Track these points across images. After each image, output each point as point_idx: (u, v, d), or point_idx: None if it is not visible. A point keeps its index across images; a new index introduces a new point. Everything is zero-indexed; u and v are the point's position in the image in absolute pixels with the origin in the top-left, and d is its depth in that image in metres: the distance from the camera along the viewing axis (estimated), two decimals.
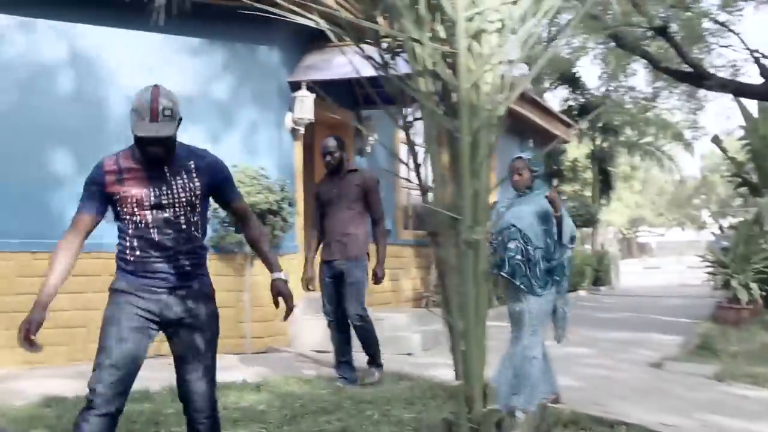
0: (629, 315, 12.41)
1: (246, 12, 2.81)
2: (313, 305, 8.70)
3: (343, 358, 6.06)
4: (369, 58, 1.96)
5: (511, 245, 4.87)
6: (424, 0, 1.86)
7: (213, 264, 7.54)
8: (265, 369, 6.79)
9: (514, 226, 4.89)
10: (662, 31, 14.26)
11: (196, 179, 3.16)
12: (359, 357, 6.20)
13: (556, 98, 23.56)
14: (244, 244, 7.50)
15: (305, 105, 8.16)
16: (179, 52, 7.74)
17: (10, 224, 6.93)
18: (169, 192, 3.10)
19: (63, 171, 7.12)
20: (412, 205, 11.69)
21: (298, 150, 8.59)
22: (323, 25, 1.95)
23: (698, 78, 14.97)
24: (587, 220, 18.06)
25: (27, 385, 6.07)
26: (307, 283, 6.09)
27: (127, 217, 3.10)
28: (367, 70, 8.35)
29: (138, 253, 3.11)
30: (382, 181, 10.32)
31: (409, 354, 7.82)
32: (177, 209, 3.13)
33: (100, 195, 3.10)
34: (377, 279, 5.95)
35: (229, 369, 6.84)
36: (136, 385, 3.22)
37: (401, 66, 2.16)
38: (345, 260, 5.84)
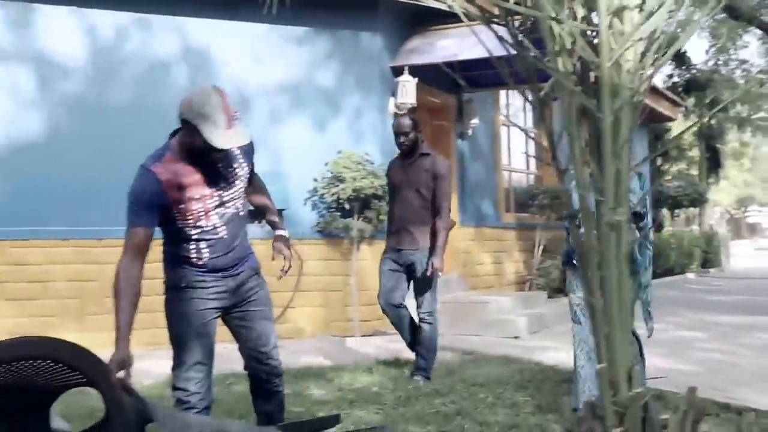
0: (742, 298, 11.93)
1: None
2: None
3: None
4: (501, 39, 1.94)
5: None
6: None
7: (320, 249, 7.83)
8: (374, 351, 6.88)
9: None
10: None
11: (244, 164, 3.15)
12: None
13: (660, 74, 22.73)
14: (350, 228, 7.62)
15: (408, 89, 8.17)
16: (286, 41, 7.89)
17: (123, 215, 7.24)
18: (226, 186, 3.07)
19: None
20: (514, 187, 11.58)
21: None
22: (456, 7, 1.94)
23: None
24: (694, 199, 17.43)
25: (150, 364, 6.31)
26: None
27: (191, 222, 3.02)
28: (472, 52, 8.27)
29: (206, 254, 3.07)
30: (484, 164, 10.43)
31: (515, 337, 7.78)
32: (236, 200, 3.12)
33: (157, 206, 2.97)
34: (433, 271, 5.36)
35: (339, 352, 6.99)
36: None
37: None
38: (416, 250, 5.39)
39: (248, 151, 3.16)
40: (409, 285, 5.52)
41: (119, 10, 7.31)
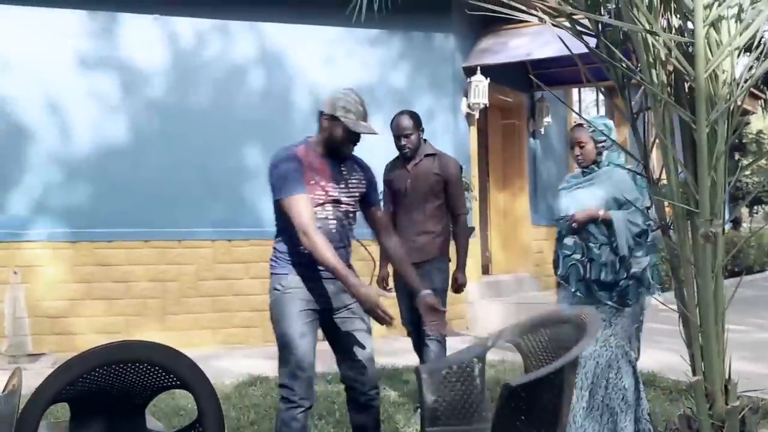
0: None
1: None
2: (491, 288, 8.75)
3: None
4: (593, 49, 1.93)
5: (568, 240, 3.86)
6: None
7: None
8: (447, 352, 6.88)
9: (562, 217, 3.90)
10: None
11: (362, 177, 3.33)
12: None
13: (738, 66, 21.96)
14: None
15: (480, 89, 8.16)
16: (360, 43, 7.97)
17: (209, 214, 7.45)
18: (345, 187, 3.24)
19: (254, 163, 7.53)
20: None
21: (472, 134, 8.62)
22: (548, 20, 1.95)
23: None
24: None
25: (229, 363, 6.50)
26: (380, 282, 4.92)
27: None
28: (545, 50, 8.19)
29: None
30: (556, 163, 10.31)
31: None
32: (350, 204, 3.28)
33: (302, 179, 3.12)
34: (458, 287, 4.84)
35: (412, 352, 7.02)
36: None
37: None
38: (425, 262, 4.59)
39: (365, 167, 3.39)
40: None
41: (199, 17, 7.51)
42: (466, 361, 3.16)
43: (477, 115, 8.51)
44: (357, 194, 3.30)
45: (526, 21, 7.98)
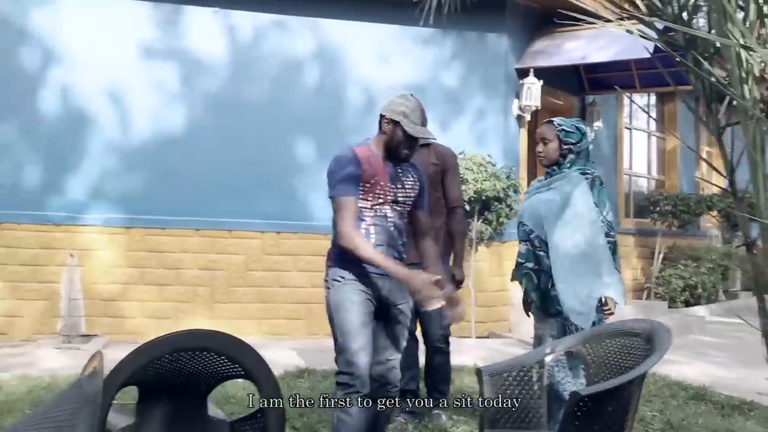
0: None
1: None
2: None
3: (413, 386, 4.66)
4: (681, 63, 1.93)
5: (521, 248, 3.73)
6: (755, 4, 1.81)
7: None
8: (490, 354, 6.88)
9: (522, 222, 3.75)
10: None
11: (417, 180, 3.45)
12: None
13: None
14: (470, 230, 7.65)
15: (532, 92, 8.13)
16: (413, 42, 7.99)
17: (260, 206, 7.54)
18: (402, 188, 3.37)
19: (306, 158, 7.63)
20: (635, 192, 11.31)
21: (523, 137, 8.58)
22: (635, 31, 1.95)
23: None
24: None
25: (275, 354, 6.55)
26: None
27: (368, 205, 3.28)
28: (601, 54, 8.09)
29: (373, 239, 3.27)
30: (605, 167, 10.22)
31: None
32: (407, 205, 3.40)
33: (355, 177, 3.25)
34: (456, 283, 4.46)
35: (456, 352, 7.03)
36: None
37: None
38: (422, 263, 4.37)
39: (422, 179, 3.50)
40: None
41: (258, 11, 7.60)
42: (526, 366, 3.18)
43: (528, 117, 8.48)
44: (412, 195, 3.40)
45: (583, 23, 7.95)
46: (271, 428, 2.95)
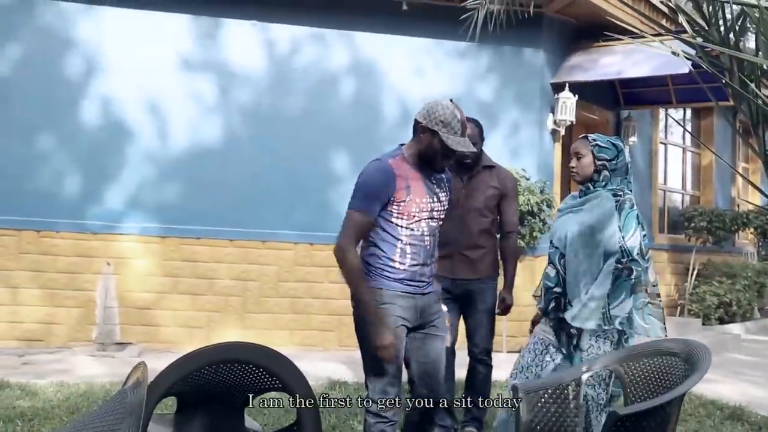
0: None
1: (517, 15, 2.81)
2: None
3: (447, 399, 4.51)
4: (727, 85, 1.92)
5: (549, 270, 3.58)
6: None
7: None
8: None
9: (552, 243, 3.62)
10: None
11: (448, 190, 3.32)
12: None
13: None
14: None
15: (567, 106, 8.09)
16: (448, 55, 8.00)
17: (294, 217, 7.58)
18: (438, 202, 3.23)
19: (340, 170, 7.66)
20: (669, 207, 11.18)
21: (557, 151, 8.54)
22: (681, 55, 1.94)
23: None
24: None
25: (307, 366, 6.51)
26: None
27: (404, 224, 3.13)
28: (637, 70, 8.04)
29: (409, 259, 3.15)
30: (639, 183, 10.14)
31: None
32: (440, 219, 3.26)
33: (383, 195, 3.09)
34: (505, 307, 4.53)
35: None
36: None
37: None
38: (475, 280, 4.43)
39: (449, 184, 3.38)
40: (459, 319, 4.55)
41: (295, 24, 7.67)
42: (563, 383, 3.15)
43: (562, 132, 8.44)
44: (445, 207, 3.28)
45: (619, 39, 7.92)
46: None
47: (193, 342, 6.76)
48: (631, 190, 3.56)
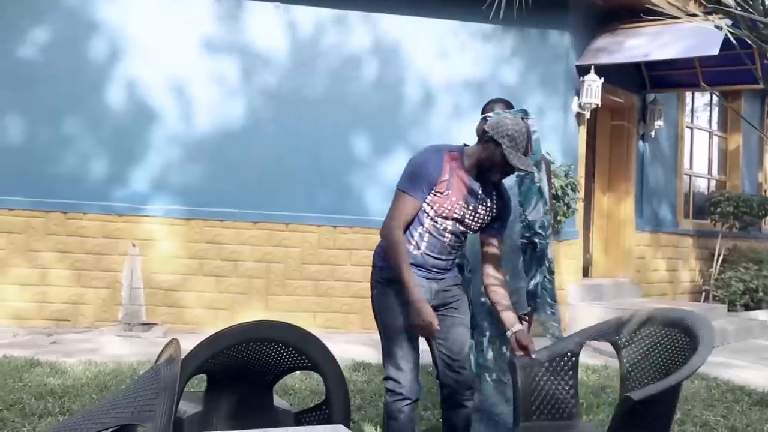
0: None
1: None
2: (591, 292, 8.62)
3: None
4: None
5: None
6: None
7: None
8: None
9: None
10: None
11: (494, 206, 3.22)
12: None
13: None
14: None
15: (593, 89, 8.02)
16: (473, 37, 7.95)
17: (317, 200, 7.59)
18: (474, 213, 3.17)
19: (364, 153, 7.65)
20: (695, 193, 11.07)
21: (582, 135, 8.48)
22: (728, 29, 1.90)
23: None
24: None
25: (330, 347, 6.60)
26: None
27: (431, 213, 3.13)
28: (664, 52, 7.94)
29: (424, 247, 3.15)
30: (665, 167, 10.04)
31: None
32: (470, 228, 3.20)
33: (431, 182, 3.10)
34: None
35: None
36: None
37: None
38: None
39: (503, 206, 3.26)
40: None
41: (318, 6, 7.65)
42: (559, 356, 3.14)
43: (588, 115, 8.37)
44: (481, 221, 3.21)
45: (646, 20, 7.82)
46: (336, 419, 2.97)
47: (217, 323, 6.80)
48: (539, 161, 3.57)
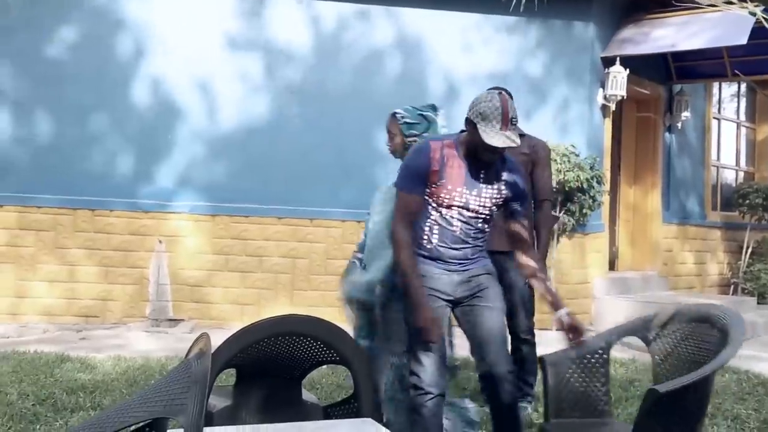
0: None
1: None
2: (617, 285, 8.54)
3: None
4: None
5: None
6: None
7: None
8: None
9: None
10: None
11: (504, 191, 3.19)
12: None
13: None
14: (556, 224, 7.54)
15: (618, 81, 7.94)
16: (497, 30, 7.90)
17: (341, 195, 7.59)
18: (478, 197, 3.14)
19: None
20: (722, 184, 10.94)
21: (607, 127, 8.40)
22: (762, 16, 1.87)
23: None
24: None
25: None
26: None
27: (434, 204, 3.14)
28: (691, 42, 7.83)
29: (436, 239, 3.16)
30: (692, 159, 9.93)
31: None
32: (479, 213, 3.16)
33: (423, 174, 3.11)
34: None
35: (537, 344, 6.94)
36: None
37: None
38: (510, 252, 4.00)
39: (514, 185, 3.22)
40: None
41: (341, 1, 7.64)
42: (590, 353, 3.12)
43: (613, 107, 8.29)
44: (490, 204, 3.17)
45: (672, 10, 7.73)
46: (365, 413, 2.97)
47: (243, 319, 6.85)
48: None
